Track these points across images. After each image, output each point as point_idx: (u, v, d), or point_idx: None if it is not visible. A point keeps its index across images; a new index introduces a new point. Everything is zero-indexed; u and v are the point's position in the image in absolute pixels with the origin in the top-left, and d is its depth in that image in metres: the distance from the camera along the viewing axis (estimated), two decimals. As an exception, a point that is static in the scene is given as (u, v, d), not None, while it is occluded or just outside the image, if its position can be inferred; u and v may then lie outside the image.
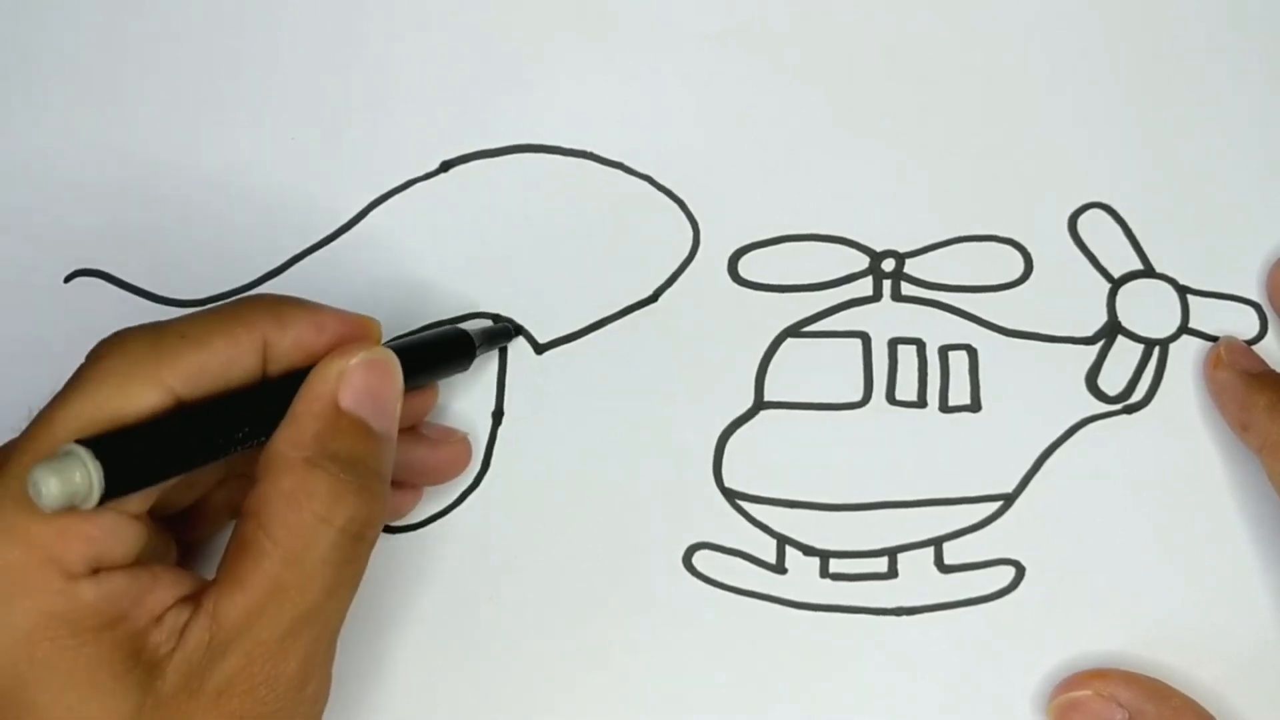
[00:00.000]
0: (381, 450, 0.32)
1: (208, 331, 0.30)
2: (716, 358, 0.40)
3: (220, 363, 0.30)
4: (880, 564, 0.39)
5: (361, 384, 0.31)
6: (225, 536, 0.36)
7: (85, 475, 0.27)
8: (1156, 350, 0.40)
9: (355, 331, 0.33)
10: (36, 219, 0.41)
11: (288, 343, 0.31)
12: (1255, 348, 0.39)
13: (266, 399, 0.31)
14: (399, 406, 0.33)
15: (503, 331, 0.39)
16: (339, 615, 0.31)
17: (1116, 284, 0.40)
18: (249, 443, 0.30)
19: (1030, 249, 0.40)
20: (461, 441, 0.38)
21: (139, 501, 0.29)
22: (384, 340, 0.34)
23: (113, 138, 0.41)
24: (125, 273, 0.40)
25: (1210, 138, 0.41)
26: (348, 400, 0.31)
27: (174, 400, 0.29)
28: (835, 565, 0.39)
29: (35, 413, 0.29)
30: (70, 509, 0.27)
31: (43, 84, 0.42)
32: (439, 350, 0.37)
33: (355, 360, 0.31)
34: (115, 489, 0.27)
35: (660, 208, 0.41)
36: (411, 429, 0.37)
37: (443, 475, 0.38)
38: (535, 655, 0.38)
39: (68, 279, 0.40)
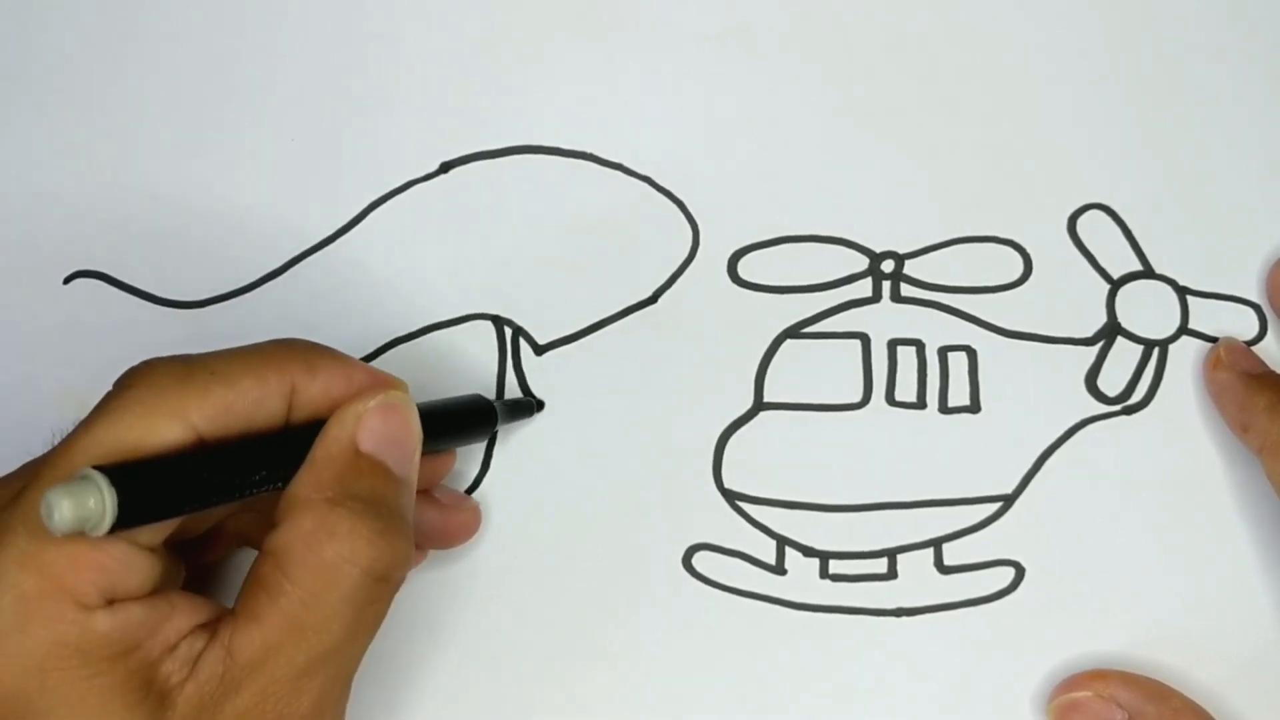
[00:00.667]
0: (403, 492, 0.31)
1: (237, 371, 0.30)
2: (716, 359, 0.40)
3: (247, 403, 0.30)
4: (880, 565, 0.39)
5: (379, 427, 0.31)
6: (235, 561, 0.36)
7: (99, 501, 0.26)
8: (1156, 351, 0.40)
9: (382, 386, 0.32)
10: (36, 220, 0.41)
11: (315, 390, 0.31)
12: (1255, 348, 0.39)
13: (287, 445, 0.31)
14: (418, 451, 0.32)
15: (525, 406, 0.39)
16: (357, 656, 0.31)
17: (1116, 285, 0.40)
18: (265, 486, 0.30)
19: (1030, 250, 0.40)
20: (473, 509, 0.38)
21: (152, 534, 0.29)
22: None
23: (112, 138, 0.41)
24: (125, 274, 0.40)
25: (1210, 138, 0.41)
26: (367, 443, 0.31)
27: (196, 436, 0.29)
28: (835, 566, 0.39)
29: (58, 438, 0.29)
30: (80, 534, 0.27)
31: (43, 85, 0.42)
32: (460, 417, 0.36)
33: (373, 404, 0.31)
34: (128, 518, 0.27)
35: (660, 209, 0.41)
36: (424, 492, 0.37)
37: (451, 541, 0.38)
38: (535, 656, 0.38)
39: (67, 280, 0.40)
